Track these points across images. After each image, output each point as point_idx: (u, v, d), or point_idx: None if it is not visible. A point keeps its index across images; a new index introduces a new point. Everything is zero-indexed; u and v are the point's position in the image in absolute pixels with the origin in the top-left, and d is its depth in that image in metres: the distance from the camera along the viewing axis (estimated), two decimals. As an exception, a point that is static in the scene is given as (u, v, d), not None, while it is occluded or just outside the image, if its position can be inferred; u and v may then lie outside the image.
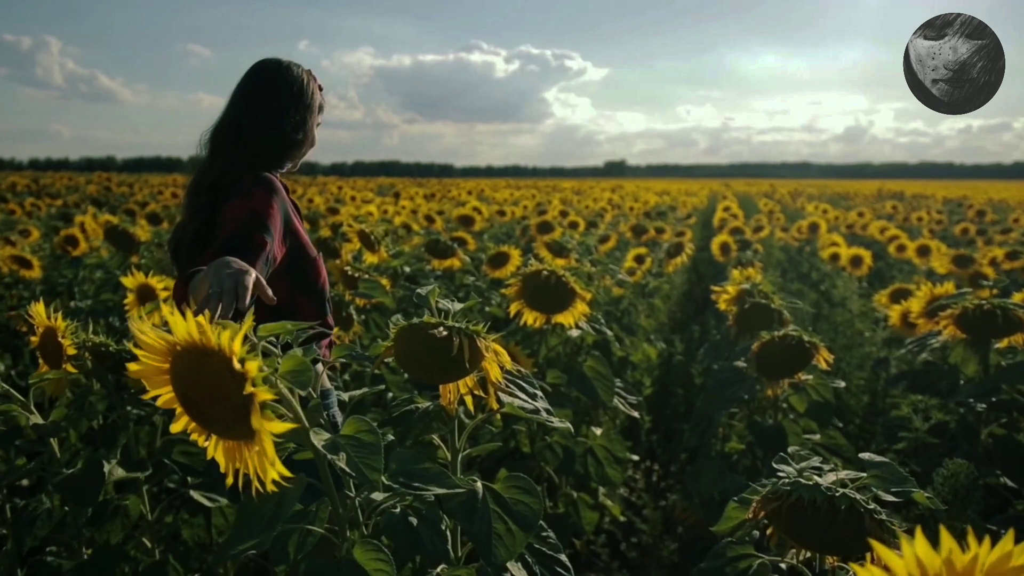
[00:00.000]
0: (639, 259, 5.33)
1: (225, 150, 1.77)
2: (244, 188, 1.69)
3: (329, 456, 1.14)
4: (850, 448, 2.49)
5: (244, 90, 1.82)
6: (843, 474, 1.49)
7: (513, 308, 2.60)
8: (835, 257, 6.47)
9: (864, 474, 1.47)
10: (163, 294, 2.68)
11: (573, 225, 7.36)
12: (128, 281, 2.70)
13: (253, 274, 1.24)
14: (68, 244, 4.38)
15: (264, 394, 1.00)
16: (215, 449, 1.12)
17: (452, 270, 4.08)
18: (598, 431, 2.99)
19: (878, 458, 1.48)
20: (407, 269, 3.54)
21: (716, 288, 3.26)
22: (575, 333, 2.78)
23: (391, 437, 1.39)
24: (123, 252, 3.87)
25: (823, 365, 2.39)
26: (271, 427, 1.01)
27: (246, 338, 1.02)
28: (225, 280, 1.21)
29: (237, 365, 0.99)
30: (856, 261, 5.82)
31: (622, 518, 3.14)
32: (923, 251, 6.55)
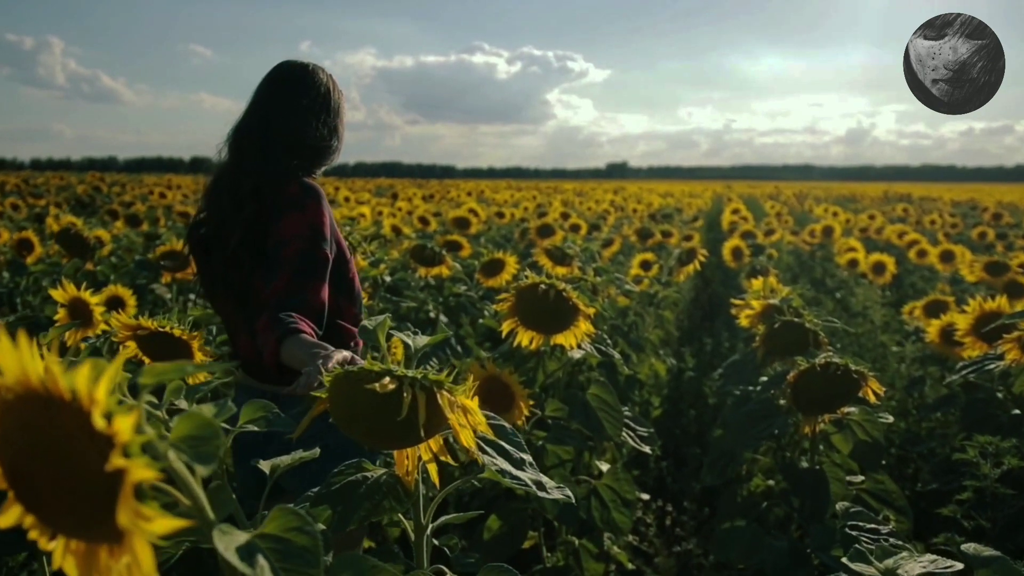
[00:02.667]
0: (645, 265, 4.94)
1: (259, 153, 1.73)
2: (295, 200, 1.68)
3: (242, 570, 0.73)
4: (900, 495, 2.11)
5: (272, 92, 1.78)
6: (926, 560, 1.13)
7: (506, 327, 2.23)
8: (853, 263, 6.08)
9: (960, 565, 1.11)
10: (98, 310, 2.30)
11: (575, 228, 6.98)
12: (57, 294, 2.32)
13: (347, 354, 1.28)
14: (23, 248, 4.01)
15: (141, 470, 0.57)
16: (63, 557, 0.71)
17: (441, 279, 3.70)
18: (603, 465, 2.62)
19: (987, 551, 1.11)
20: (388, 278, 3.17)
21: (737, 301, 2.88)
22: (577, 355, 2.40)
23: (321, 526, 1.01)
24: (77, 257, 3.50)
25: (871, 399, 2.02)
26: (151, 526, 0.58)
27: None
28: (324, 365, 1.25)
29: (100, 422, 0.59)
30: (878, 268, 5.44)
31: (630, 566, 2.76)
32: (946, 256, 6.17)
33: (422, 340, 1.19)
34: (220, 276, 1.75)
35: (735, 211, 9.27)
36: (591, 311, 2.19)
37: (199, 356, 2.02)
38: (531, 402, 2.07)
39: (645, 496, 2.71)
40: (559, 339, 2.24)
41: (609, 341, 2.45)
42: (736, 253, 5.60)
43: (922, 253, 6.43)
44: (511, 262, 3.78)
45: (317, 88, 1.80)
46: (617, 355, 2.41)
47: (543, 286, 2.14)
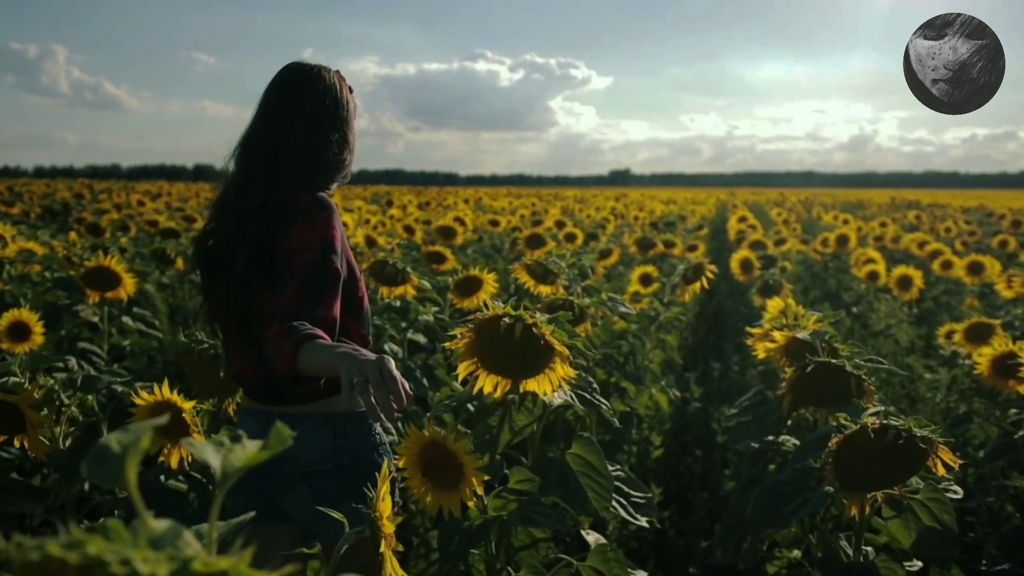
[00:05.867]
0: (646, 279, 4.44)
1: (264, 171, 1.66)
2: (306, 213, 1.62)
3: None
4: (976, 595, 1.61)
5: (277, 103, 1.71)
6: None
7: (462, 370, 1.74)
8: (873, 275, 5.57)
9: None
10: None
11: (570, 237, 6.48)
12: None
13: (392, 360, 1.25)
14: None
15: None
16: None
17: (407, 300, 3.20)
18: (590, 536, 2.11)
19: None
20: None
21: (753, 330, 2.39)
22: (557, 400, 1.90)
23: None
24: (-19, 275, 3.02)
25: (940, 472, 1.52)
26: None
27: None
28: (370, 371, 1.23)
29: None
30: (904, 282, 4.92)
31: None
32: (975, 268, 5.66)
33: (242, 453, 0.70)
34: (224, 295, 1.68)
35: (742, 219, 8.75)
36: (567, 352, 1.69)
37: (32, 420, 1.54)
38: (487, 478, 1.56)
39: (643, 575, 2.20)
40: (531, 385, 1.75)
41: (595, 385, 1.95)
42: (745, 265, 5.09)
43: (947, 264, 5.91)
44: (489, 280, 3.28)
45: (323, 96, 1.72)
46: (605, 405, 1.90)
47: (507, 319, 1.65)
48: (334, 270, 1.59)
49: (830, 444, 1.53)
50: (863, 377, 1.82)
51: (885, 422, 1.49)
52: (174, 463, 1.85)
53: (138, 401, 1.83)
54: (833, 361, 1.83)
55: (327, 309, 1.54)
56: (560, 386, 1.78)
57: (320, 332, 1.44)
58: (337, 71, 1.79)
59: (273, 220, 1.63)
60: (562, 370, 1.73)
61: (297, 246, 1.58)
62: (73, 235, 5.67)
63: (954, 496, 1.63)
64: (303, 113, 1.70)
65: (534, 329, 1.66)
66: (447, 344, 1.79)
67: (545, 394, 1.77)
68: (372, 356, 1.27)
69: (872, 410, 1.67)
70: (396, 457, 1.58)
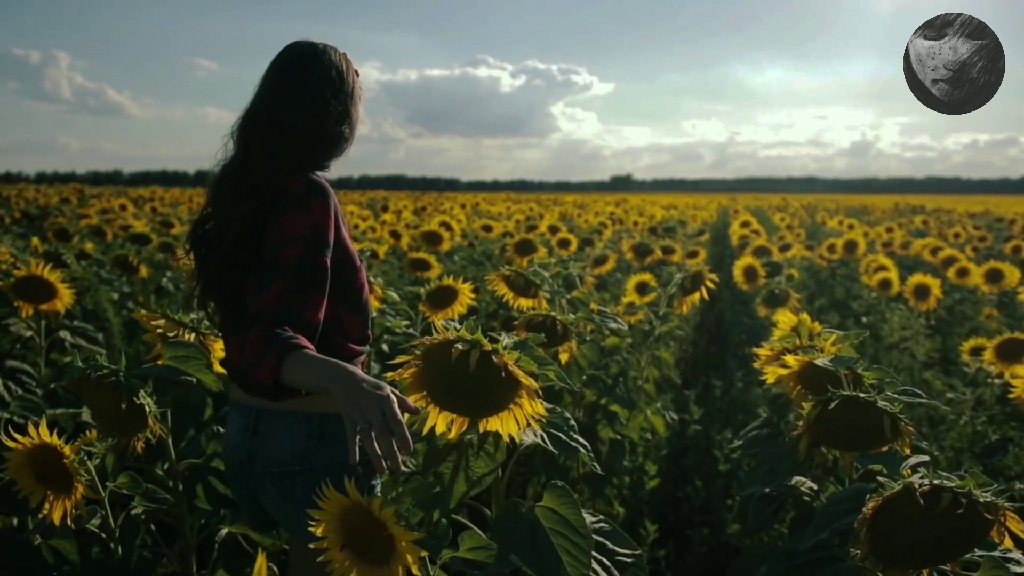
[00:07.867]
0: (642, 288, 4.11)
1: (265, 147, 1.61)
2: (300, 198, 1.56)
3: None
4: None
5: (279, 78, 1.67)
6: None
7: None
8: (885, 284, 5.23)
9: None
10: None
11: (564, 243, 6.15)
12: None
13: (394, 397, 1.21)
14: None
15: None
16: None
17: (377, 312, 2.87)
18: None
19: None
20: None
21: (761, 352, 2.06)
22: (526, 440, 1.58)
23: None
24: None
25: (1007, 544, 1.19)
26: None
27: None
28: (372, 414, 1.18)
29: None
30: (921, 291, 4.57)
31: None
32: (993, 276, 5.32)
33: None
34: (215, 277, 1.63)
35: (745, 224, 8.41)
36: (535, 385, 1.37)
37: None
38: (423, 551, 1.22)
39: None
40: (493, 424, 1.44)
41: (574, 424, 1.62)
42: (749, 273, 4.75)
43: (963, 272, 5.58)
44: (465, 290, 2.96)
45: (327, 72, 1.67)
46: (584, 448, 1.57)
47: (460, 345, 1.33)
48: (323, 265, 1.54)
49: (865, 510, 1.20)
50: (899, 416, 1.48)
51: (936, 482, 1.16)
52: (56, 518, 1.52)
53: (10, 444, 1.50)
54: (862, 396, 1.50)
55: (311, 311, 1.50)
56: (528, 424, 1.46)
57: (305, 341, 1.40)
58: (344, 53, 1.73)
59: (265, 201, 1.58)
60: (530, 407, 1.41)
61: (287, 236, 1.52)
62: (35, 240, 5.34)
63: (1018, 570, 1.30)
64: (306, 90, 1.65)
65: (494, 358, 1.34)
66: (388, 375, 1.47)
67: (510, 435, 1.45)
68: (367, 382, 1.22)
69: (914, 460, 1.34)
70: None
